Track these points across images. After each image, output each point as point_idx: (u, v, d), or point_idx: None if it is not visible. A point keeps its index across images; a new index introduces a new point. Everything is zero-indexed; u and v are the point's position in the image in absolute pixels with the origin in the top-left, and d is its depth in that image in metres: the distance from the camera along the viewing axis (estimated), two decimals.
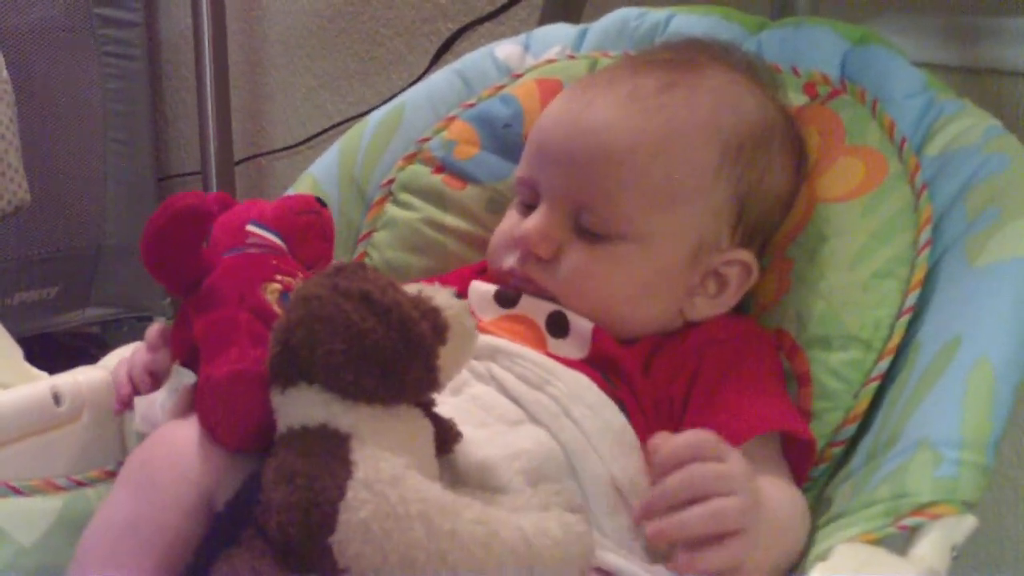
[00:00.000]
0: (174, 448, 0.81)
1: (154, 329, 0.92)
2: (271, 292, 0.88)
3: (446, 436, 0.78)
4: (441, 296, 0.74)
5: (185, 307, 0.88)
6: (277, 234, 0.95)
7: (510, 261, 0.99)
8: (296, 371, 0.73)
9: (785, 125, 1.02)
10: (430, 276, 1.12)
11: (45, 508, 0.90)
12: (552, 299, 0.96)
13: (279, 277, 0.90)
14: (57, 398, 0.95)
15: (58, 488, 0.92)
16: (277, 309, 0.86)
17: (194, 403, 0.83)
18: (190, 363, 0.87)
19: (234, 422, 0.80)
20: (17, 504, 0.90)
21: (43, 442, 0.94)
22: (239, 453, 0.80)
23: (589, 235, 0.95)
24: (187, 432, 0.81)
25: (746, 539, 0.74)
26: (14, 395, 0.94)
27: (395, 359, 0.71)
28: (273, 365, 0.74)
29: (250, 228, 0.94)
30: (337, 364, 0.71)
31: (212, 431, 0.80)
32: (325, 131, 2.04)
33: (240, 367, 0.80)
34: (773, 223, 1.01)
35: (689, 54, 1.04)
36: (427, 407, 0.78)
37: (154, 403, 0.93)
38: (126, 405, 0.92)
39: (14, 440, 0.92)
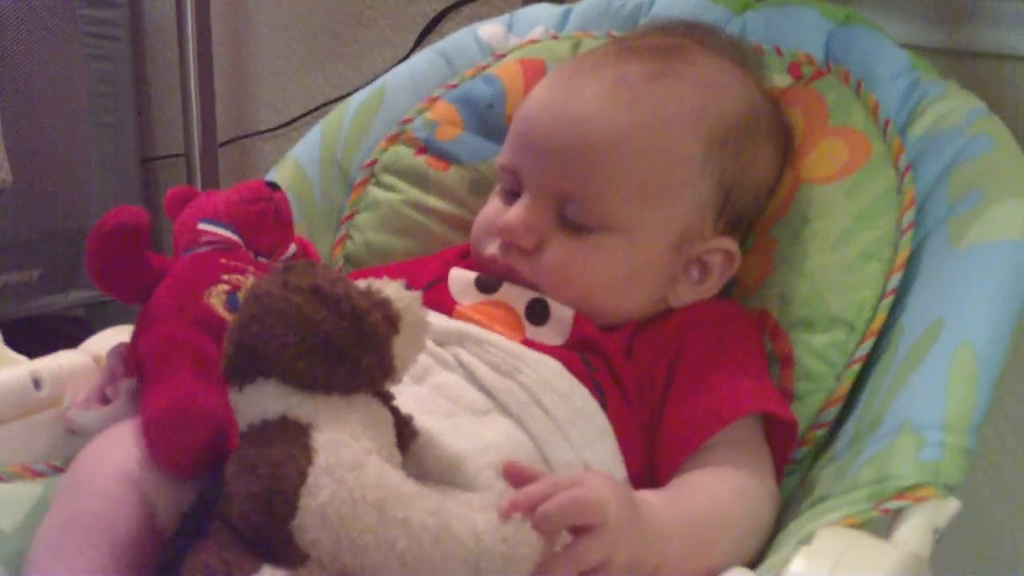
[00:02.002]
0: (113, 451, 0.82)
1: (114, 353, 0.93)
2: (216, 296, 0.89)
3: (403, 432, 0.78)
4: (391, 288, 0.75)
5: (140, 317, 0.90)
6: (230, 227, 0.95)
7: (492, 249, 0.98)
8: (252, 367, 0.73)
9: (771, 113, 1.02)
10: (413, 257, 1.13)
11: (25, 494, 0.90)
12: (534, 288, 0.96)
13: (226, 277, 0.91)
14: (37, 383, 0.94)
15: (37, 474, 0.92)
16: (222, 312, 0.88)
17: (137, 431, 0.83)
18: (140, 379, 0.88)
19: (175, 456, 0.81)
20: None
21: (23, 427, 0.93)
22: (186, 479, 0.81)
23: (573, 226, 0.95)
24: (126, 435, 0.82)
25: (603, 534, 0.72)
26: None
27: (349, 348, 0.71)
28: (229, 364, 0.74)
29: (201, 227, 0.95)
30: (292, 356, 0.71)
31: (156, 462, 0.81)
32: (309, 112, 2.03)
33: (175, 402, 0.81)
34: (757, 210, 1.01)
35: (674, 39, 1.03)
36: (386, 400, 0.78)
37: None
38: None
39: None
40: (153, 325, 0.88)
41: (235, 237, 0.95)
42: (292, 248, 1.00)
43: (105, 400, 0.92)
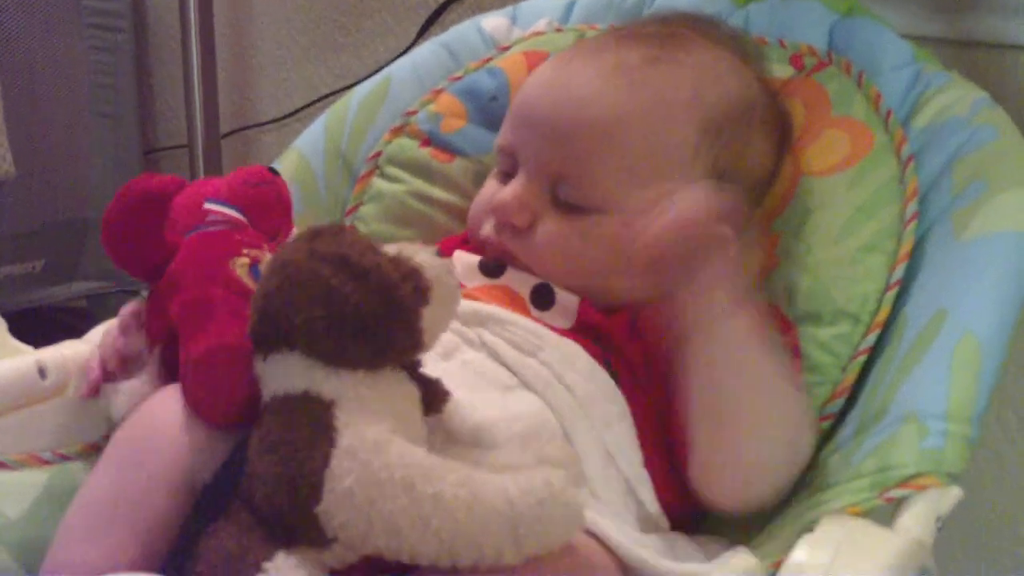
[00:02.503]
0: (157, 425, 0.81)
1: (128, 310, 0.92)
2: (240, 266, 0.88)
3: (434, 396, 0.77)
4: (422, 255, 0.73)
5: (155, 292, 0.88)
6: (236, 208, 0.94)
7: (487, 229, 0.99)
8: (277, 338, 0.72)
9: (768, 104, 1.02)
10: None
11: (30, 481, 0.90)
12: (527, 270, 0.96)
13: (246, 251, 0.90)
14: (42, 372, 0.95)
15: (43, 462, 0.92)
16: (249, 283, 0.86)
17: (178, 380, 0.82)
18: (169, 347, 0.87)
19: (218, 397, 0.79)
20: (2, 478, 0.90)
21: (28, 416, 0.93)
22: (224, 429, 0.79)
23: (566, 207, 0.95)
24: (170, 408, 0.81)
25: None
26: None
27: (376, 324, 0.70)
28: (253, 333, 0.73)
29: (208, 206, 0.93)
30: (317, 331, 0.70)
31: (196, 408, 0.80)
32: (312, 103, 2.03)
33: (219, 341, 0.80)
34: (752, 199, 1.01)
35: (674, 28, 1.03)
36: (413, 369, 0.77)
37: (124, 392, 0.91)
38: (93, 391, 0.92)
39: None
40: (181, 291, 0.86)
41: (241, 217, 0.94)
42: (294, 232, 1.00)
43: (124, 369, 0.91)
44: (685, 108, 0.96)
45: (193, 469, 0.78)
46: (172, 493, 0.78)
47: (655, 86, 0.96)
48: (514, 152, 0.99)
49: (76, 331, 1.02)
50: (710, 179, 0.96)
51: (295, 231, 0.99)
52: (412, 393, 0.76)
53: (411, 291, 0.71)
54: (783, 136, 1.03)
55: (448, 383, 0.81)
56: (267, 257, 0.90)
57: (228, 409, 0.79)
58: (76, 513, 0.80)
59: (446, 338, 0.86)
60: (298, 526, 0.69)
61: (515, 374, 0.88)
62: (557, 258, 0.95)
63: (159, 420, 0.81)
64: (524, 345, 0.90)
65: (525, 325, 0.91)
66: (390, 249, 0.73)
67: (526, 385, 0.88)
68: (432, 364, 0.81)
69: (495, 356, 0.89)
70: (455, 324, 0.89)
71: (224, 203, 0.94)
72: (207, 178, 0.98)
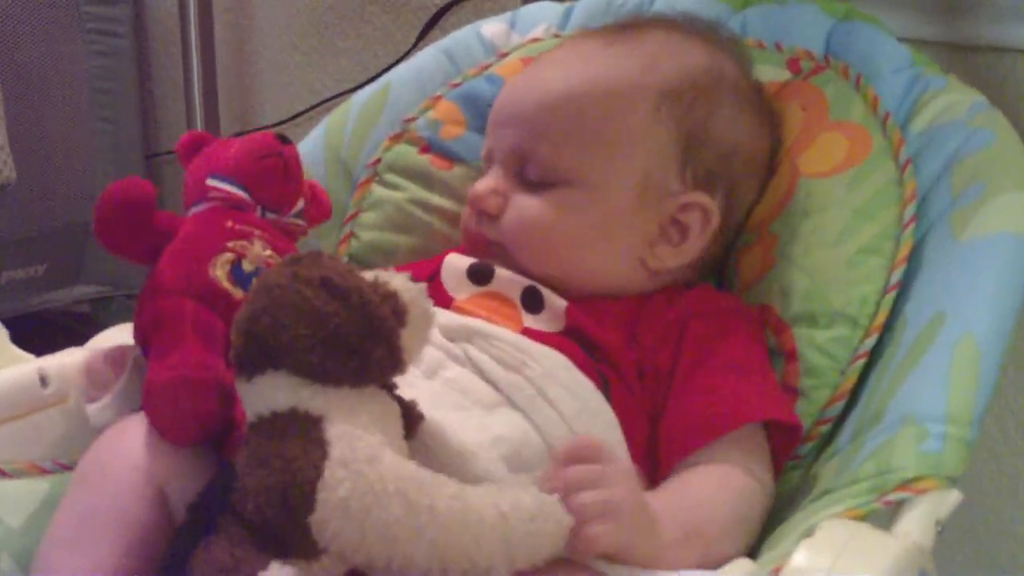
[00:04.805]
0: (124, 443, 0.84)
1: (97, 357, 0.95)
2: (221, 266, 0.90)
3: (409, 418, 0.79)
4: (397, 280, 0.76)
5: (143, 291, 0.91)
6: (238, 184, 0.95)
7: (470, 224, 1.01)
8: (262, 358, 0.73)
9: (740, 77, 1.03)
10: (417, 256, 1.13)
11: (31, 490, 0.90)
12: (503, 251, 0.98)
13: (231, 245, 0.91)
14: (44, 380, 0.95)
15: (43, 471, 0.92)
16: (227, 285, 0.89)
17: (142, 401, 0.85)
18: (144, 351, 0.89)
19: (180, 424, 0.83)
20: (4, 487, 0.90)
21: (29, 424, 0.93)
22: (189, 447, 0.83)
23: (533, 185, 0.98)
24: (137, 427, 0.84)
25: (611, 524, 0.75)
26: (0, 377, 0.94)
27: (359, 341, 0.72)
28: (238, 354, 0.74)
29: (210, 182, 0.95)
30: (303, 349, 0.72)
31: (160, 432, 0.83)
32: (312, 108, 2.03)
33: (182, 373, 0.82)
34: (734, 171, 1.01)
35: (643, 20, 1.07)
36: (391, 390, 0.78)
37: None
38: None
39: (0, 422, 0.92)
40: (157, 297, 0.88)
41: (243, 194, 0.94)
42: (300, 203, 1.00)
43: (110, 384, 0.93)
44: (641, 74, 0.98)
45: (162, 482, 0.82)
46: (143, 501, 0.81)
47: (608, 60, 0.99)
48: (491, 152, 1.02)
49: (78, 335, 1.03)
50: (677, 145, 0.98)
51: (301, 202, 0.99)
52: (395, 411, 0.78)
53: (390, 312, 0.73)
54: (764, 114, 1.04)
55: (432, 403, 0.82)
56: (254, 248, 0.92)
57: (191, 434, 0.83)
58: (56, 529, 0.82)
59: (431, 354, 0.88)
60: (289, 537, 0.70)
61: (499, 391, 0.89)
62: (531, 235, 0.97)
63: (127, 438, 0.84)
64: (509, 360, 0.90)
65: (510, 339, 0.91)
66: (367, 275, 0.76)
67: (510, 402, 0.88)
68: (416, 382, 0.83)
69: (480, 372, 0.90)
70: (441, 339, 0.91)
71: (226, 178, 0.94)
72: (222, 141, 0.99)
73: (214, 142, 0.99)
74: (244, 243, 0.91)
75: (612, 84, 0.98)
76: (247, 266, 0.91)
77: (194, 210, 0.95)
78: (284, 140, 0.98)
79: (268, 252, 0.93)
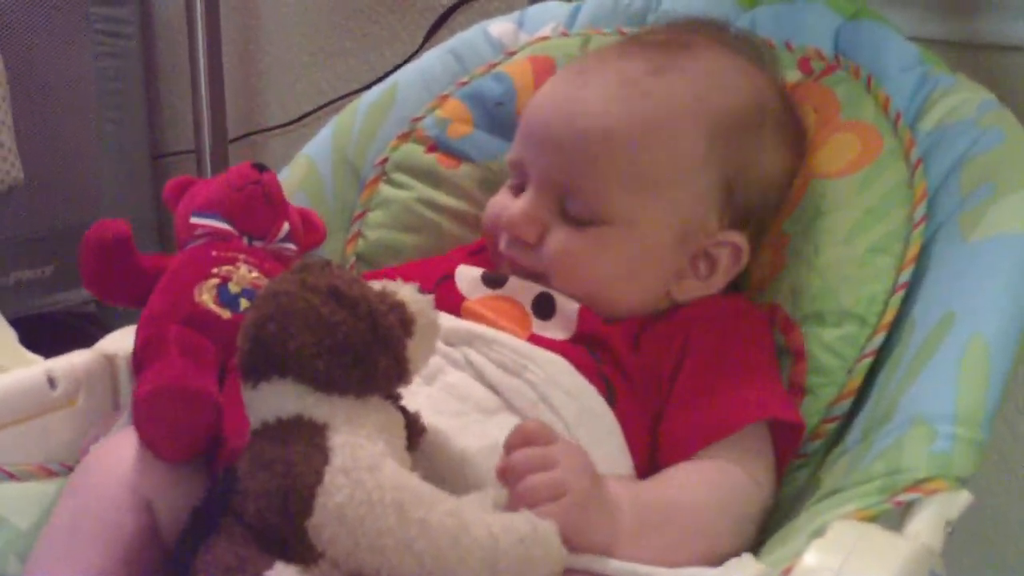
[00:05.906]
0: (112, 458, 0.85)
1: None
2: (208, 291, 0.91)
3: (412, 430, 0.79)
4: (405, 291, 0.76)
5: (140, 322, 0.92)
6: (220, 217, 0.96)
7: (502, 245, 0.99)
8: (268, 366, 0.73)
9: (780, 106, 1.01)
10: (425, 255, 1.13)
11: (39, 492, 0.91)
12: (540, 279, 0.96)
13: (215, 270, 0.92)
14: (52, 382, 0.95)
15: (51, 473, 0.93)
16: (214, 307, 0.90)
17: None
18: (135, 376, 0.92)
19: (167, 435, 0.83)
20: (12, 489, 0.90)
21: (38, 426, 0.94)
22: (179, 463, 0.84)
23: (574, 220, 0.95)
24: (127, 442, 0.85)
25: (561, 503, 0.76)
26: (8, 379, 0.94)
27: (366, 350, 0.72)
28: (244, 360, 0.75)
29: (193, 220, 0.97)
30: (310, 356, 0.72)
31: (149, 446, 0.84)
32: (320, 108, 2.04)
33: (163, 383, 0.83)
34: (768, 206, 1.01)
35: (683, 35, 1.03)
36: (395, 400, 0.79)
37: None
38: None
39: (8, 424, 0.92)
40: (147, 325, 0.90)
41: (226, 226, 0.96)
42: (285, 227, 1.01)
43: None
44: (691, 115, 0.96)
45: (147, 495, 0.83)
46: (128, 511, 0.82)
47: (658, 95, 0.96)
48: (523, 166, 0.99)
49: (86, 335, 1.03)
50: (721, 187, 0.96)
51: (286, 227, 1.00)
52: (399, 422, 0.78)
53: (397, 322, 0.74)
54: (798, 140, 1.02)
55: (431, 409, 0.82)
56: (239, 272, 0.93)
57: (180, 447, 0.84)
58: (45, 539, 0.83)
59: (430, 360, 0.87)
60: (289, 540, 0.71)
61: (500, 395, 0.88)
62: (569, 268, 0.95)
63: (113, 454, 0.86)
64: (509, 365, 0.89)
65: (511, 344, 0.91)
66: (375, 284, 0.76)
67: (510, 407, 0.88)
68: (415, 388, 0.82)
69: (480, 377, 0.89)
70: (440, 344, 0.90)
71: (208, 214, 0.96)
72: (204, 180, 1.00)
73: (197, 182, 1.01)
74: (229, 267, 0.93)
75: (661, 124, 0.95)
76: (233, 288, 0.93)
77: (184, 250, 0.97)
78: (261, 168, 1.00)
79: (255, 274, 0.94)
